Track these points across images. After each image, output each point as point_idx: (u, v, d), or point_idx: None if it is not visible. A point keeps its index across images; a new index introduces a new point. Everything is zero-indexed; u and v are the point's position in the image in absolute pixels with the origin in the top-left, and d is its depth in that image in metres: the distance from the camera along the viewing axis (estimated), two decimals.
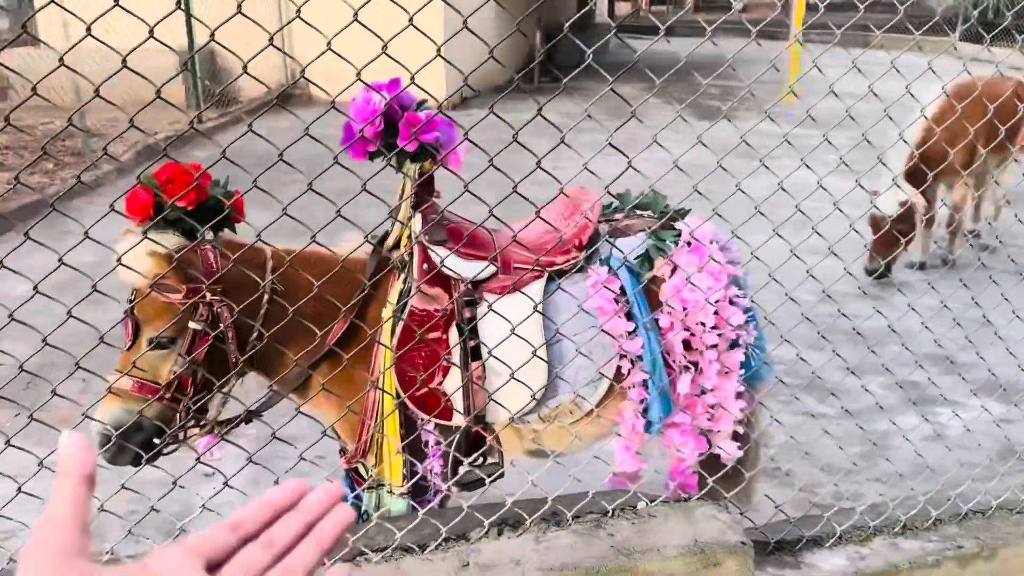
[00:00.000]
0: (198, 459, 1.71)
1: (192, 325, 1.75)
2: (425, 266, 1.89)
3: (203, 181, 1.78)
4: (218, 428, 1.87)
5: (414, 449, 1.92)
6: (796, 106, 10.74)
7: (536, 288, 1.93)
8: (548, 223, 1.93)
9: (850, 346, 3.97)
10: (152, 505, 1.68)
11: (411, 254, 1.91)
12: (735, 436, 2.13)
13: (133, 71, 1.48)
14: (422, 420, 1.89)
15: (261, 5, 10.57)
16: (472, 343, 1.86)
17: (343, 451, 2.02)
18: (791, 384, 3.76)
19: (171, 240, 1.74)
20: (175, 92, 9.55)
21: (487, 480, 1.92)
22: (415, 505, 1.91)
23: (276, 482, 1.72)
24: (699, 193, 1.83)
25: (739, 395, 2.10)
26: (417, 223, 1.91)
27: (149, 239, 1.63)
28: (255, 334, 1.82)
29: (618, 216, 2.17)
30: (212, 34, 1.47)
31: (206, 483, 2.99)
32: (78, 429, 1.51)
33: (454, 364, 1.85)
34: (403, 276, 1.91)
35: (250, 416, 1.95)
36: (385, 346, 1.85)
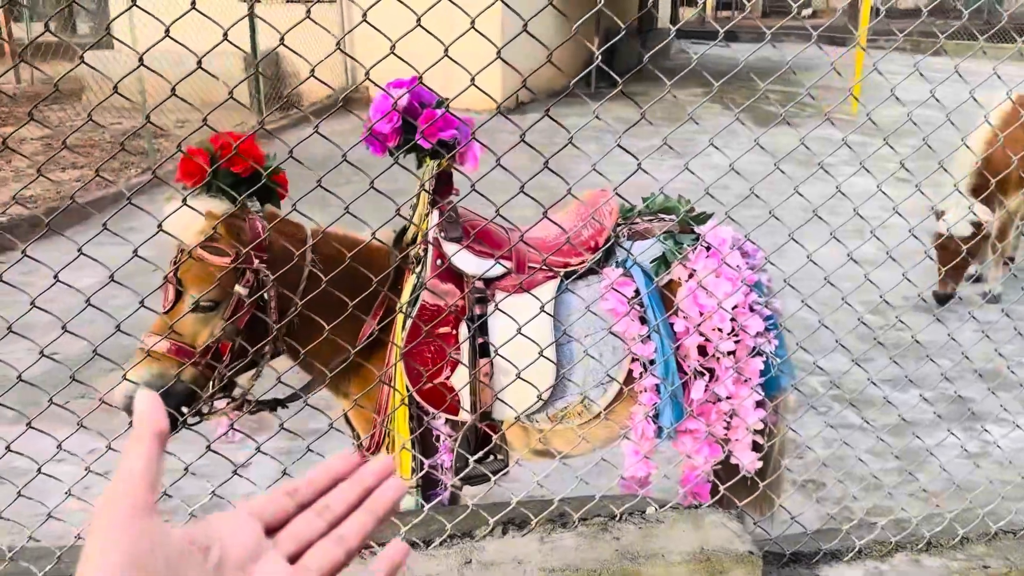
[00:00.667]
0: (209, 446, 1.75)
1: (238, 289, 1.76)
2: (438, 262, 1.91)
3: (254, 151, 1.82)
4: (246, 405, 1.90)
5: (425, 443, 1.94)
6: (860, 112, 10.50)
7: (548, 288, 1.94)
8: (557, 224, 1.93)
9: (902, 359, 3.86)
10: (165, 490, 1.74)
11: (425, 250, 1.93)
12: (754, 446, 2.10)
13: (153, 70, 1.54)
14: (431, 415, 1.91)
15: (325, 8, 10.82)
16: (481, 340, 1.87)
17: (358, 445, 2.05)
18: (833, 395, 3.68)
19: (221, 206, 1.75)
20: (239, 94, 9.81)
21: (492, 477, 1.93)
22: (423, 502, 1.93)
23: (284, 472, 1.76)
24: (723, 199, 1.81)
25: (759, 404, 2.06)
26: (434, 220, 1.93)
27: (216, 193, 1.73)
28: (295, 307, 1.81)
29: (639, 219, 2.16)
30: (225, 34, 1.53)
31: (242, 473, 3.07)
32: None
33: (461, 362, 1.87)
34: (417, 271, 1.94)
35: (276, 404, 1.97)
36: (396, 345, 1.88)
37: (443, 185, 1.94)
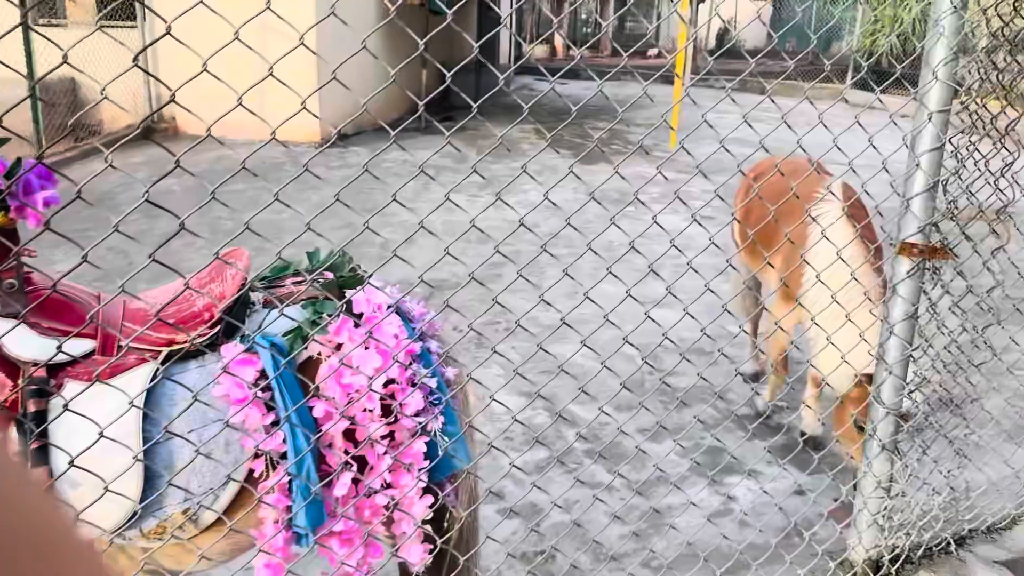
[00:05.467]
0: None
1: None
2: None
3: None
4: None
5: None
6: (681, 152, 10.78)
7: (139, 375, 1.58)
8: (142, 300, 1.59)
9: (660, 407, 3.73)
10: None
11: None
12: (426, 538, 1.82)
13: None
14: None
15: (124, 34, 10.08)
16: (39, 443, 1.49)
17: None
18: (586, 449, 3.49)
19: None
20: (22, 124, 8.93)
21: None
22: None
23: None
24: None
25: (426, 491, 1.79)
26: None
27: None
28: None
29: (288, 281, 1.85)
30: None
31: None
32: None
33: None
34: None
35: None
36: None
37: (5, 244, 1.55)
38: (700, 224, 1.97)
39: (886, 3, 16.22)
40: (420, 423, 1.77)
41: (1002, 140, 1.80)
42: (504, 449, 3.10)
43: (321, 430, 1.68)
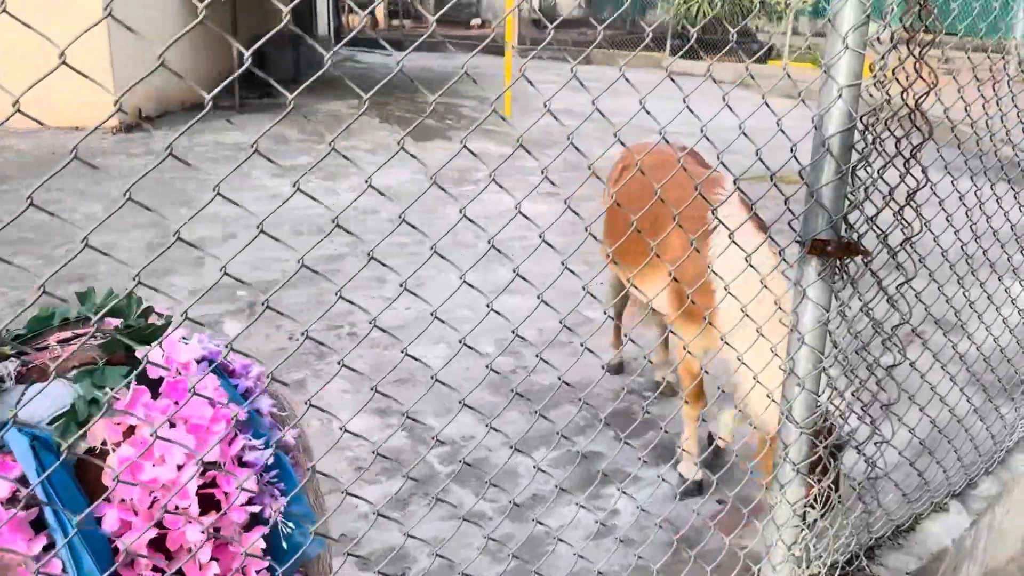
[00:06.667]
0: None
1: None
2: None
3: None
4: None
5: None
6: (514, 124, 10.56)
7: None
8: None
9: (526, 410, 3.44)
10: None
11: None
12: None
13: None
14: None
15: None
16: None
17: None
18: (450, 472, 3.16)
19: None
20: None
21: None
22: None
23: None
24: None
25: None
26: None
27: None
28: None
29: (52, 338, 1.37)
30: None
31: None
32: None
33: None
34: None
35: None
36: None
37: None
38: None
39: None
40: (254, 512, 1.36)
41: (911, 117, 1.61)
42: (356, 481, 2.72)
43: (116, 547, 1.24)
